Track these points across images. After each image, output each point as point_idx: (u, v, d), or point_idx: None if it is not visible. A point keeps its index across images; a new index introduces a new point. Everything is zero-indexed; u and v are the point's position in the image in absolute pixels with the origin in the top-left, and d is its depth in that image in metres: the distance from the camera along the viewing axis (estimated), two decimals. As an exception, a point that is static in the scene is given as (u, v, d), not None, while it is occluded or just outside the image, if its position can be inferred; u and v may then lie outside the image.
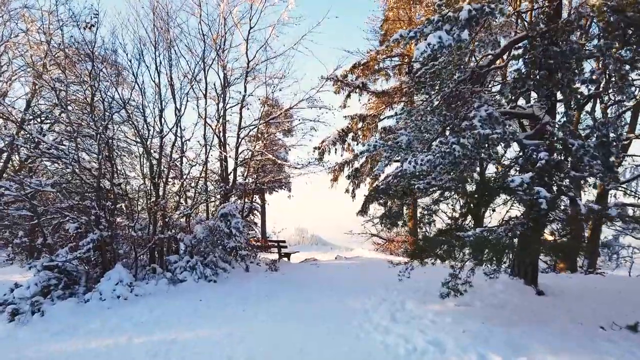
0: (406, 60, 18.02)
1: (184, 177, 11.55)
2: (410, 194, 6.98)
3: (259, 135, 14.62)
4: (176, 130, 12.12)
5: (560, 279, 7.04)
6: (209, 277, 10.65)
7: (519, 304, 7.19)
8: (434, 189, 6.76)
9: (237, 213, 11.07)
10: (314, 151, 17.91)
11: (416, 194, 6.95)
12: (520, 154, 6.86)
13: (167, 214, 11.43)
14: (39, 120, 14.18)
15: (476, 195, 5.97)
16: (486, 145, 6.66)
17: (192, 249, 11.90)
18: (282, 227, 36.24)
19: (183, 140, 12.15)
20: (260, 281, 10.94)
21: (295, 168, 14.44)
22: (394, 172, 8.77)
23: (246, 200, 14.79)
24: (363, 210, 20.69)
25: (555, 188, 5.66)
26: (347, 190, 20.20)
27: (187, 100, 12.03)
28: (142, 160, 11.92)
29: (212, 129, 13.14)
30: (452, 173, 6.67)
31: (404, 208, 8.58)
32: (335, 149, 18.55)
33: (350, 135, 18.62)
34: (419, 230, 7.68)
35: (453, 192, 6.95)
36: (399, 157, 7.80)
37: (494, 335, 5.36)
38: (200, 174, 12.60)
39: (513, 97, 6.95)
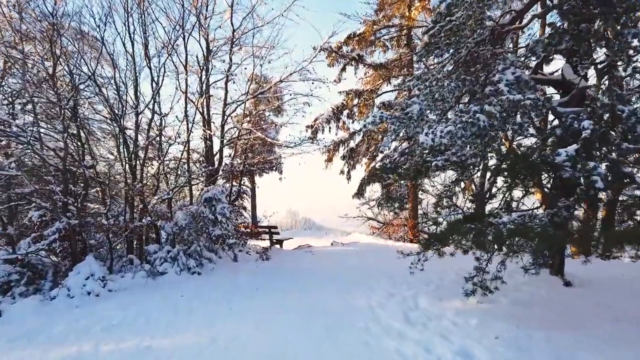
0: (405, 32, 16.83)
1: (162, 158, 10.43)
2: (425, 172, 5.99)
3: (247, 113, 13.46)
4: (153, 106, 10.94)
5: (584, 267, 6.16)
6: (192, 269, 9.65)
7: (549, 298, 6.31)
8: (455, 166, 5.77)
9: (223, 197, 10.02)
10: (306, 130, 16.82)
11: (433, 172, 5.95)
12: (555, 123, 5.87)
13: (146, 199, 10.34)
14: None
15: (508, 173, 4.99)
16: (516, 113, 5.66)
17: (175, 238, 10.88)
18: (274, 210, 35.41)
19: (162, 117, 10.99)
20: (249, 272, 9.98)
21: (287, 147, 13.38)
22: (401, 149, 7.74)
23: (234, 183, 13.71)
24: (359, 193, 19.75)
25: (605, 163, 4.69)
26: (342, 172, 19.21)
27: (165, 72, 10.82)
28: (118, 140, 10.77)
29: (194, 104, 11.95)
30: (475, 147, 5.67)
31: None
32: (330, 128, 17.45)
33: (346, 112, 17.51)
34: (434, 214, 6.68)
35: (477, 169, 5.97)
36: (409, 131, 6.77)
37: (535, 343, 4.44)
38: (182, 155, 11.48)
39: (546, 56, 5.92)
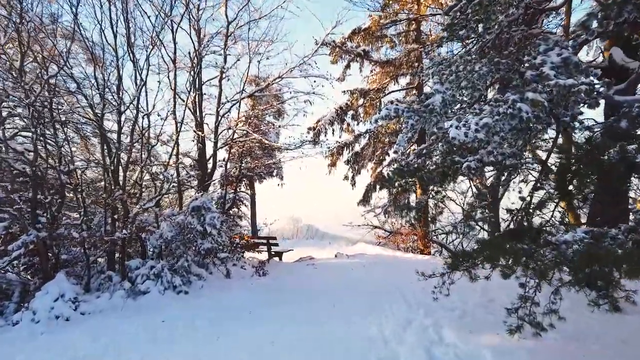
0: (413, 27, 15.84)
1: (145, 161, 9.41)
2: (454, 176, 4.94)
3: (243, 113, 12.48)
4: (137, 104, 9.95)
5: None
6: (178, 288, 8.60)
7: (602, 330, 5.22)
8: (493, 167, 4.71)
9: (213, 206, 8.99)
10: (308, 132, 15.76)
11: (465, 174, 4.90)
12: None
13: (128, 207, 9.31)
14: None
15: (571, 176, 3.94)
16: (566, 102, 4.61)
17: (162, 252, 9.84)
18: (275, 218, 34.26)
19: (145, 116, 9.99)
20: (243, 290, 8.92)
21: (287, 150, 12.38)
22: (418, 150, 6.69)
23: (229, 189, 12.68)
24: (365, 200, 18.67)
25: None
26: (346, 177, 18.15)
27: (150, 66, 9.82)
28: (102, 144, 9.78)
29: (185, 102, 10.95)
30: (514, 143, 4.62)
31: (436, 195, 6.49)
32: (333, 130, 16.42)
33: (350, 113, 16.48)
34: (466, 227, 5.58)
35: (517, 172, 4.92)
36: (429, 127, 5.72)
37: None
38: (170, 159, 10.47)
39: (602, 32, 4.88)
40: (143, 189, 10.21)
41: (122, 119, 9.97)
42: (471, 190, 20.45)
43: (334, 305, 7.40)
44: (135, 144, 9.61)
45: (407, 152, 17.84)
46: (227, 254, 9.62)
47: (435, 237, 16.85)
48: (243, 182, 13.33)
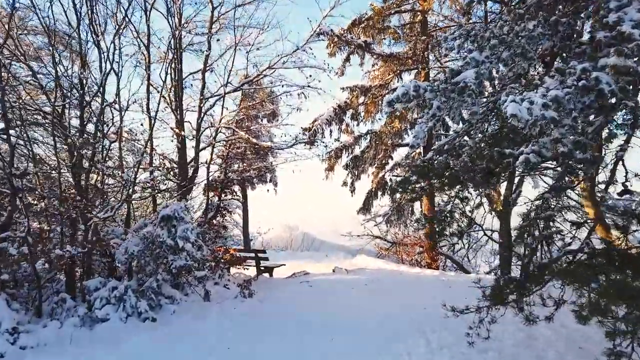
0: (419, 18, 14.60)
1: (102, 161, 8.05)
2: (504, 172, 3.64)
3: (229, 109, 11.16)
4: (102, 96, 8.63)
5: None
6: (144, 314, 7.20)
7: None
8: (563, 161, 3.39)
9: (186, 215, 7.63)
10: (303, 133, 14.39)
11: (524, 171, 3.59)
12: None
13: (87, 216, 7.93)
14: None
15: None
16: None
17: (131, 269, 8.46)
18: (269, 227, 32.77)
19: (103, 107, 8.66)
20: (224, 317, 7.54)
21: (279, 150, 11.08)
22: (439, 145, 5.37)
23: (213, 195, 11.30)
24: (365, 208, 17.34)
25: None
26: (344, 183, 16.82)
27: (116, 50, 8.49)
28: (55, 141, 8.45)
29: (160, 94, 9.62)
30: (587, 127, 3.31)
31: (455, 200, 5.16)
32: (330, 131, 15.12)
33: (350, 112, 15.18)
34: (521, 246, 4.22)
35: (594, 168, 3.61)
36: (454, 113, 4.41)
37: None
38: (140, 160, 9.11)
39: None
40: (109, 195, 8.85)
41: (85, 112, 8.66)
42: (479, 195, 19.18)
43: (332, 340, 6.03)
44: (99, 141, 8.24)
45: (413, 154, 16.57)
46: (206, 271, 8.23)
47: (441, 248, 15.51)
48: (230, 188, 11.95)
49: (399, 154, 16.91)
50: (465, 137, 5.25)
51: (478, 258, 20.27)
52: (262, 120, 17.18)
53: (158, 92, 10.10)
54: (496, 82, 4.44)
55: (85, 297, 7.85)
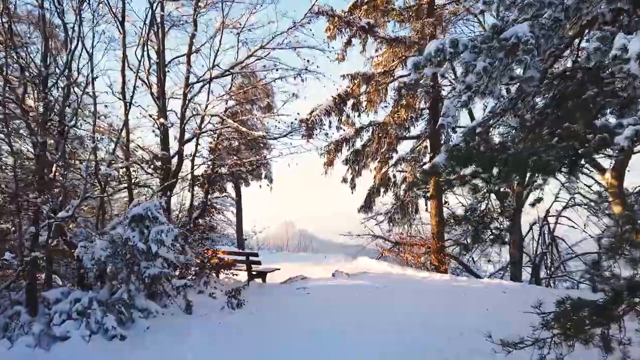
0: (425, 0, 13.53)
1: (60, 151, 6.95)
2: (596, 151, 2.58)
3: (216, 95, 10.06)
4: (68, 76, 7.55)
5: None
6: (111, 331, 6.14)
7: None
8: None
9: (160, 215, 6.54)
10: (300, 125, 13.30)
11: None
12: None
13: (44, 216, 6.84)
14: None
15: None
16: None
17: (103, 276, 7.39)
18: (264, 225, 31.66)
19: (67, 86, 7.58)
20: (206, 335, 6.48)
21: (272, 140, 10.03)
22: (468, 129, 4.32)
23: (197, 191, 10.22)
24: (366, 206, 16.30)
25: None
26: (344, 180, 15.75)
27: (78, 19, 7.39)
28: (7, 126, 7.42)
29: (137, 75, 8.55)
30: None
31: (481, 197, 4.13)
32: (330, 122, 14.00)
33: (350, 102, 14.08)
34: (609, 261, 3.14)
35: None
36: (495, 78, 3.37)
37: None
38: (114, 151, 8.05)
39: None
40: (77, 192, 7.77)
41: (50, 92, 7.60)
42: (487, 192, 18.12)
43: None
44: (64, 124, 7.16)
45: (419, 147, 15.52)
46: (186, 280, 7.17)
47: (448, 249, 14.48)
48: (218, 184, 10.86)
49: (403, 148, 15.89)
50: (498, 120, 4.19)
51: (477, 256, 19.38)
52: (256, 112, 16.15)
53: (132, 70, 9.04)
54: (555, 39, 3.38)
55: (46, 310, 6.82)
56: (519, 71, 3.33)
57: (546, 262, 18.19)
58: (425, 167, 5.40)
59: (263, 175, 24.44)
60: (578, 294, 4.29)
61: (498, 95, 3.78)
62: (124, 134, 8.43)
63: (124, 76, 8.46)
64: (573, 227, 17.21)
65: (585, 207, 16.50)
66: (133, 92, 8.16)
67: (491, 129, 4.42)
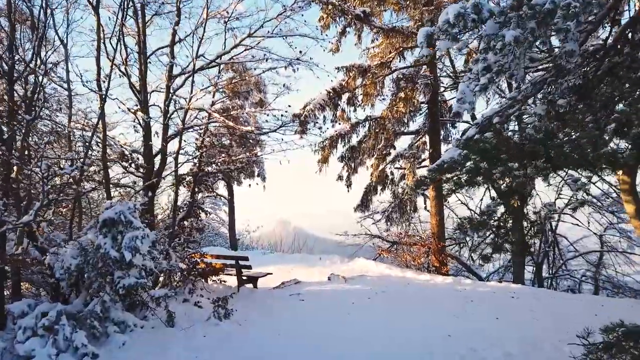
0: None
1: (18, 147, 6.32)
2: None
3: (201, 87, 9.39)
4: (35, 63, 6.91)
5: None
6: (81, 349, 5.52)
7: None
8: None
9: (135, 219, 5.91)
10: (292, 120, 12.70)
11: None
12: None
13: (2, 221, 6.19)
14: None
15: None
16: None
17: (77, 286, 6.76)
18: (258, 225, 31.05)
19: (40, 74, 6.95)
20: (189, 350, 5.89)
21: (261, 134, 9.39)
22: (483, 119, 3.77)
23: (183, 192, 9.60)
24: (363, 205, 15.77)
25: None
26: (339, 177, 15.22)
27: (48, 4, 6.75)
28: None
29: (112, 62, 7.90)
30: None
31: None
32: (324, 117, 13.44)
33: (346, 96, 13.53)
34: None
35: None
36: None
37: None
38: (89, 147, 7.42)
39: None
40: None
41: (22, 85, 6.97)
42: (488, 190, 17.58)
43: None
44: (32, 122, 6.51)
45: (417, 143, 14.94)
46: (168, 289, 6.56)
47: (447, 249, 13.94)
48: (205, 183, 10.22)
49: (400, 144, 15.37)
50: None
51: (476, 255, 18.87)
52: (248, 107, 15.53)
53: (116, 66, 8.42)
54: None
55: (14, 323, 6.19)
56: (556, 42, 2.76)
57: (549, 260, 17.77)
58: (436, 163, 4.83)
59: (256, 174, 23.83)
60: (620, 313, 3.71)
61: (522, 77, 3.21)
62: (100, 128, 7.77)
63: (99, 66, 7.80)
64: (577, 224, 16.84)
65: (589, 204, 16.17)
66: (108, 83, 7.51)
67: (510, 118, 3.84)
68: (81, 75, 7.54)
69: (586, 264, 18.01)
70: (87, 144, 7.32)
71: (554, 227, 17.89)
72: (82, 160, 7.15)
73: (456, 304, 7.91)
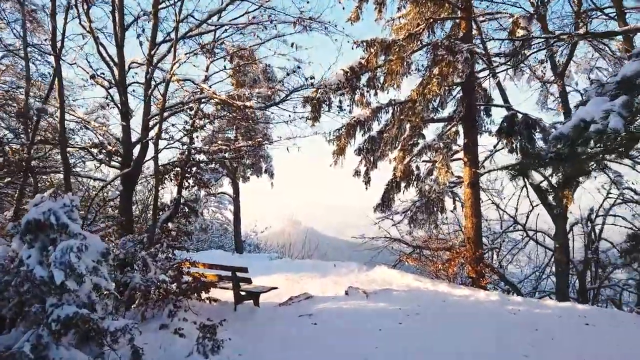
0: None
1: None
2: None
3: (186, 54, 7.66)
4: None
5: None
6: (-4, 411, 3.81)
7: None
8: None
9: (72, 221, 4.15)
10: (304, 105, 10.93)
11: None
12: None
13: None
14: None
15: None
16: None
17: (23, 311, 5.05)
18: (266, 225, 29.35)
19: None
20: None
21: (260, 109, 7.68)
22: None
23: (164, 185, 7.87)
24: (384, 204, 13.93)
25: None
26: (356, 172, 13.43)
27: None
28: None
29: (67, 10, 6.22)
30: None
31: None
32: (340, 102, 11.59)
33: (365, 76, 11.69)
34: None
35: None
36: None
37: None
38: (35, 126, 5.73)
39: None
40: None
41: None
42: (525, 188, 15.72)
43: None
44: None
45: (447, 133, 13.10)
46: (129, 320, 4.83)
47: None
48: (196, 176, 8.43)
49: (427, 134, 13.50)
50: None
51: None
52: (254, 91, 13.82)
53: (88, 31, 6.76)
54: None
55: None
56: None
57: (591, 269, 15.89)
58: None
59: (263, 170, 22.17)
60: None
61: None
62: (54, 102, 6.09)
63: (54, 21, 6.12)
64: (624, 226, 15.07)
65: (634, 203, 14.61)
66: (62, 42, 5.81)
67: None
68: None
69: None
70: (35, 111, 5.60)
71: (597, 231, 16.07)
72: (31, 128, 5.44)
73: (518, 336, 6.07)
